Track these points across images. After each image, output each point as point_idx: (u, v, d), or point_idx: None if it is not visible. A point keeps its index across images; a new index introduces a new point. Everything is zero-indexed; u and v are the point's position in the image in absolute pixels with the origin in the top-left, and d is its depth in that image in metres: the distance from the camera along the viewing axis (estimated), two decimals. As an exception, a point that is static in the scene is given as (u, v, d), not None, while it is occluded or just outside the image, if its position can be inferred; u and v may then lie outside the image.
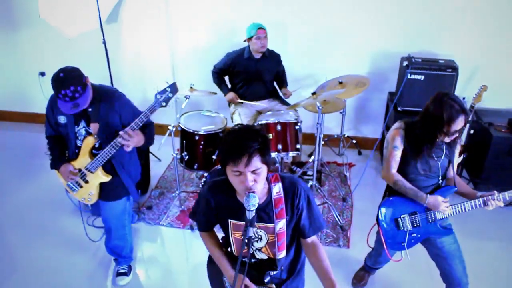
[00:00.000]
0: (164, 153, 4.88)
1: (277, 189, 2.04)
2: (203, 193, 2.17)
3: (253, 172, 1.88)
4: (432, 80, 4.23)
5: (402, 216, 2.81)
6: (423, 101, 4.21)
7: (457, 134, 2.58)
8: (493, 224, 4.04)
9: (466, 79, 4.46)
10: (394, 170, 2.71)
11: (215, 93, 4.29)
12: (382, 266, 3.39)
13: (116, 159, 3.05)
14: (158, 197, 4.44)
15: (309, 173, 4.26)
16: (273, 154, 3.81)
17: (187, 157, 4.11)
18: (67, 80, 2.68)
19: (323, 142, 5.02)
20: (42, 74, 5.34)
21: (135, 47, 5.16)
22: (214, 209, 2.13)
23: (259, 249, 2.15)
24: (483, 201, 2.64)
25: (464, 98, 4.42)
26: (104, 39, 4.52)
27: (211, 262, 2.38)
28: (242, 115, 4.42)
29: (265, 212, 2.06)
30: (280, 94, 4.59)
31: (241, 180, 1.89)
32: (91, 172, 3.01)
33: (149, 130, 3.06)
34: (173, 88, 2.87)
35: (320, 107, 3.74)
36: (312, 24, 4.68)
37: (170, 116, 5.21)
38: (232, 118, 4.53)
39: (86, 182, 3.06)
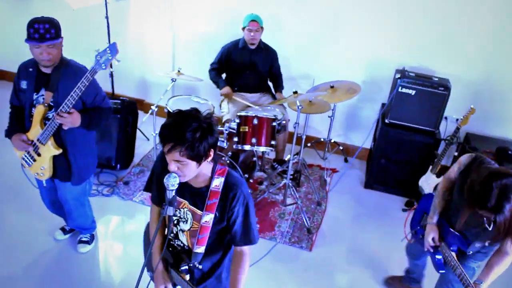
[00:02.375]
0: (150, 132, 4.93)
1: (218, 182, 2.02)
2: (155, 163, 2.21)
3: (177, 161, 1.88)
4: (423, 96, 4.16)
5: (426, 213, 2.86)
6: (412, 115, 4.25)
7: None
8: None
9: (459, 100, 4.37)
10: (448, 177, 2.65)
11: (202, 80, 4.32)
12: (420, 283, 3.35)
13: (69, 140, 2.95)
14: (138, 174, 4.51)
15: (290, 172, 4.27)
16: (247, 147, 3.83)
17: (169, 139, 4.16)
18: (45, 19, 2.67)
19: (309, 144, 5.02)
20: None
21: (139, 27, 5.21)
22: (161, 180, 2.09)
23: (183, 231, 2.16)
24: (467, 284, 2.40)
25: (457, 120, 4.35)
26: (107, 14, 4.59)
27: (146, 233, 2.46)
28: (230, 103, 4.45)
29: (199, 198, 2.05)
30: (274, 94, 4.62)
31: (168, 162, 1.92)
32: (42, 144, 2.89)
33: (98, 114, 2.93)
34: (113, 49, 2.61)
35: (300, 107, 3.74)
36: (313, 25, 4.66)
37: (156, 95, 5.25)
38: (220, 106, 4.56)
39: (39, 155, 2.95)
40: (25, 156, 3.01)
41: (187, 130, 1.82)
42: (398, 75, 4.23)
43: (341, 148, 5.04)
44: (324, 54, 4.75)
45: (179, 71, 4.14)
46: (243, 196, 2.02)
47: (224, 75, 4.62)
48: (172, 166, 1.89)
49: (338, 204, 4.37)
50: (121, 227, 3.98)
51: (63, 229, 3.68)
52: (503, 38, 4.18)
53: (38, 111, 2.84)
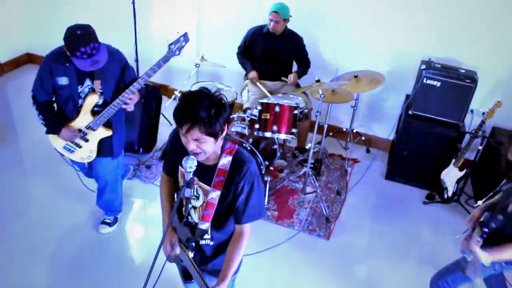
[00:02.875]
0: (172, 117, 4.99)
1: (225, 161, 2.02)
2: (169, 138, 2.23)
3: (196, 140, 1.90)
4: (449, 88, 4.08)
5: None
6: (437, 107, 4.19)
7: None
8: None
9: (487, 93, 4.29)
10: None
11: (224, 67, 4.34)
12: None
13: (115, 117, 3.10)
14: (160, 158, 4.58)
15: (311, 161, 4.28)
16: (268, 134, 3.84)
17: (192, 124, 4.21)
18: (86, 37, 2.68)
19: (331, 134, 5.00)
20: (76, 24, 5.56)
21: (164, 12, 5.24)
22: (174, 151, 2.15)
23: (195, 208, 2.19)
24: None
25: (484, 114, 4.26)
26: (133, -1, 4.64)
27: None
28: (250, 91, 4.46)
29: (209, 175, 2.05)
30: (288, 77, 4.53)
31: (185, 142, 1.94)
32: (93, 129, 3.04)
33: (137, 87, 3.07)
34: (186, 37, 2.96)
35: (322, 95, 3.73)
36: (339, 14, 4.62)
37: (180, 82, 5.32)
38: (241, 93, 4.58)
39: (86, 141, 3.10)
40: (68, 145, 3.11)
41: (201, 109, 1.84)
42: (423, 66, 4.16)
43: (363, 138, 5.00)
44: (349, 44, 4.70)
45: (202, 57, 4.17)
46: (250, 173, 2.01)
47: None
48: (191, 145, 1.91)
49: (358, 194, 4.36)
50: (142, 209, 4.05)
51: (105, 222, 3.71)
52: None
53: (91, 101, 2.98)
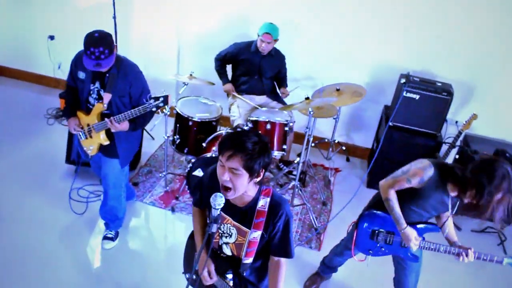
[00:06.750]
0: (158, 132, 4.96)
1: (263, 203, 2.16)
2: (204, 174, 2.34)
3: (232, 171, 1.98)
4: (427, 100, 4.30)
5: (379, 230, 2.92)
6: (415, 119, 4.39)
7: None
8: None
9: (461, 104, 4.54)
10: (393, 190, 2.74)
11: (213, 84, 4.37)
12: (336, 269, 3.53)
13: (119, 134, 3.27)
14: (146, 174, 4.56)
15: (295, 173, 4.37)
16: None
17: (178, 140, 4.24)
18: (100, 40, 2.89)
19: (313, 145, 5.13)
20: (51, 37, 5.43)
21: (144, 27, 5.24)
22: (206, 191, 2.24)
23: (226, 244, 2.29)
24: (457, 252, 2.73)
25: (456, 122, 4.51)
26: (114, 14, 4.58)
27: (191, 237, 2.57)
28: (240, 107, 4.50)
29: (244, 215, 2.19)
30: (278, 92, 4.66)
31: (221, 172, 2.01)
32: (95, 131, 3.25)
33: (143, 120, 3.26)
34: (165, 100, 3.04)
35: (312, 113, 3.83)
36: (321, 28, 4.74)
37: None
38: (229, 109, 4.61)
39: (91, 137, 3.31)
40: (80, 132, 3.35)
41: (248, 141, 1.96)
42: (403, 80, 4.34)
43: (343, 148, 5.15)
44: (330, 56, 4.84)
45: (191, 74, 4.19)
46: (285, 215, 2.18)
47: (229, 70, 4.68)
48: (225, 175, 1.98)
49: (342, 204, 4.48)
50: (134, 229, 4.01)
51: (107, 238, 3.73)
52: (508, 44, 4.34)
53: (98, 108, 3.17)
